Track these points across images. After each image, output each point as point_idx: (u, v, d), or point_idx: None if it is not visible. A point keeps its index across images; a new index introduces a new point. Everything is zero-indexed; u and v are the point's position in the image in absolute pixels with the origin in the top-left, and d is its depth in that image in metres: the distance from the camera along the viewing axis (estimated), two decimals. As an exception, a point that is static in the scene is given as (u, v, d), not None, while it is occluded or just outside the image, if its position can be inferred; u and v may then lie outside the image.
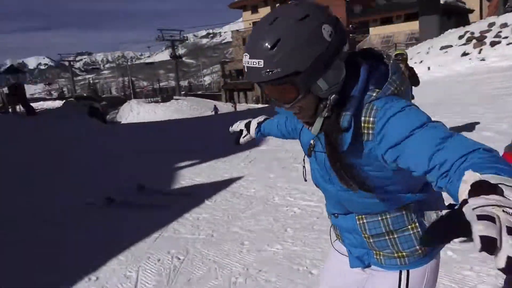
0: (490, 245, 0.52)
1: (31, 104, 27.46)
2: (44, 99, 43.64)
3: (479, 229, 0.53)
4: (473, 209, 0.57)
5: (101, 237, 4.22)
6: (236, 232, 4.07)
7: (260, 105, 41.86)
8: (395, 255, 1.21)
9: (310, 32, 0.95)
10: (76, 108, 27.14)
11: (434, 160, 0.85)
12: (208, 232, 4.13)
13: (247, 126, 1.86)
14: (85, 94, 56.18)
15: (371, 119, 1.01)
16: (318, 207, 4.51)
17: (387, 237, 1.20)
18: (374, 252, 1.25)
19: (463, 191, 0.65)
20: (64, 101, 33.00)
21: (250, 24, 54.73)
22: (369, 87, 1.05)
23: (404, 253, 1.20)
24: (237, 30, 56.53)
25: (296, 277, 3.02)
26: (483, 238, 0.53)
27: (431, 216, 1.17)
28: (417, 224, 1.18)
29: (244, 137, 1.88)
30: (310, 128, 1.14)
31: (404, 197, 1.16)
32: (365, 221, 1.22)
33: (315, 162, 1.24)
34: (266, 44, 0.95)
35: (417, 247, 1.19)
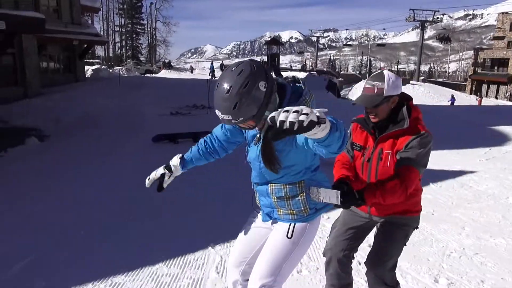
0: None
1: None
2: (289, 69, 49.18)
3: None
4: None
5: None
6: (457, 217, 4.22)
7: (514, 103, 35.70)
8: (288, 212, 1.82)
9: (253, 93, 1.49)
10: (316, 80, 29.83)
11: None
12: (429, 210, 4.42)
13: (168, 168, 2.03)
14: (325, 69, 60.21)
15: None
16: (562, 220, 4.10)
17: (285, 200, 1.81)
18: (277, 209, 1.85)
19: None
20: (308, 73, 36.71)
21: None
22: (291, 101, 1.62)
23: (294, 212, 1.82)
24: (505, 12, 48.35)
25: (508, 266, 3.06)
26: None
27: (313, 190, 1.77)
28: (304, 194, 1.79)
29: (169, 177, 2.04)
30: (261, 130, 1.72)
31: (300, 175, 1.77)
32: (273, 187, 1.81)
33: (255, 148, 1.79)
34: (230, 107, 1.49)
35: (302, 209, 1.80)
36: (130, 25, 49.86)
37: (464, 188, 5.27)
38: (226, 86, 1.50)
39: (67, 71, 21.59)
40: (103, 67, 30.84)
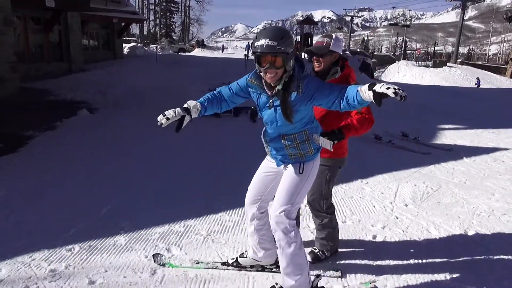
0: (395, 93, 1.80)
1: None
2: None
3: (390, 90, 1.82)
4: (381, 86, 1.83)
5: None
6: (488, 186, 4.56)
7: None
8: (298, 154, 2.32)
9: (291, 39, 2.09)
10: (350, 60, 29.54)
11: (337, 97, 2.09)
12: (461, 179, 4.77)
13: (186, 110, 2.27)
14: (358, 50, 59.07)
15: (301, 84, 2.14)
16: None
17: (295, 146, 2.31)
18: (289, 154, 2.34)
19: (365, 88, 1.92)
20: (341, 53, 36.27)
21: None
22: (298, 70, 2.16)
23: (302, 153, 2.32)
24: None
25: (539, 229, 3.42)
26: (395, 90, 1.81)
27: (315, 136, 2.33)
28: (309, 138, 2.32)
29: (188, 119, 2.29)
30: (270, 91, 2.23)
31: (306, 125, 2.30)
32: (286, 138, 2.31)
33: (270, 112, 2.27)
34: (279, 36, 2.04)
35: (308, 150, 2.32)
36: (164, 3, 50.54)
37: (496, 162, 5.55)
38: (276, 27, 2.16)
39: (106, 48, 22.51)
40: (139, 45, 31.72)
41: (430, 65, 43.56)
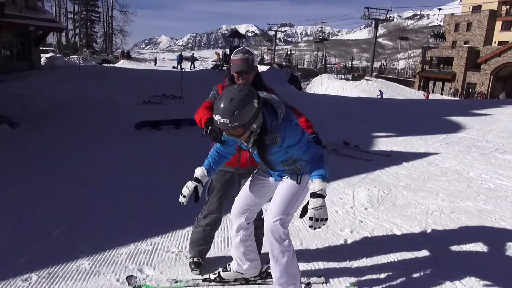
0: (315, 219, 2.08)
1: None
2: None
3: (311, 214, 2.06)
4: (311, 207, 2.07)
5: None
6: (431, 187, 4.96)
7: (457, 98, 38.56)
8: (295, 169, 2.30)
9: (248, 106, 1.97)
10: (278, 73, 30.56)
11: (304, 154, 2.19)
12: (407, 182, 5.14)
13: (196, 180, 2.34)
14: (284, 63, 61.26)
15: (278, 136, 2.12)
16: (513, 187, 4.95)
17: (291, 162, 2.27)
18: (285, 170, 2.32)
19: (311, 187, 2.15)
20: (269, 66, 37.37)
21: (469, 8, 49.21)
22: (272, 120, 2.09)
23: (299, 167, 2.29)
24: (452, 14, 51.78)
25: (484, 224, 3.80)
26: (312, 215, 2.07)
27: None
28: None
29: (201, 188, 2.34)
30: (247, 144, 2.20)
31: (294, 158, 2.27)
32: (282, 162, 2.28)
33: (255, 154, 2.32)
34: (230, 112, 1.94)
35: (305, 165, 2.25)
36: (84, 12, 47.99)
37: (431, 166, 6.07)
38: (229, 97, 1.98)
39: (21, 58, 20.72)
40: (57, 55, 29.70)
41: (350, 78, 46.66)
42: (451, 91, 44.75)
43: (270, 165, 2.31)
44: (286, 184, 2.34)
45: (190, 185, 2.32)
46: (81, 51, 40.01)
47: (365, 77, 47.76)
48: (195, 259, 2.95)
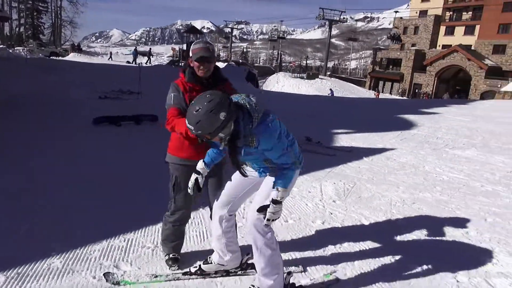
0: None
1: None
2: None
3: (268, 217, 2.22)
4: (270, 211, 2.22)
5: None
6: (391, 180, 5.24)
7: (404, 98, 40.63)
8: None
9: (213, 118, 2.01)
10: (236, 70, 30.60)
11: (278, 159, 2.23)
12: (369, 176, 5.38)
13: (197, 173, 2.51)
14: (240, 60, 61.34)
15: (253, 139, 2.14)
16: (465, 180, 5.35)
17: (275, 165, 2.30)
18: (270, 167, 2.35)
19: (272, 196, 2.23)
20: (226, 63, 37.28)
21: (416, 12, 51.87)
22: (247, 123, 2.12)
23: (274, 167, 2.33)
24: (400, 18, 54.32)
25: (443, 213, 4.09)
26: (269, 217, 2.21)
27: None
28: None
29: (201, 179, 2.51)
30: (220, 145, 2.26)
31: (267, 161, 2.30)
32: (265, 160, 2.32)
33: None
34: (194, 121, 2.03)
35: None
36: (30, 2, 45.21)
37: (390, 160, 6.39)
38: (197, 106, 2.05)
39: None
40: (1, 46, 27.88)
41: (305, 77, 47.63)
42: (399, 91, 47.05)
43: (239, 166, 2.35)
44: (271, 180, 2.36)
45: (192, 177, 2.51)
46: (27, 43, 37.75)
47: (320, 76, 48.92)
48: (171, 255, 2.94)
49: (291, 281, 2.56)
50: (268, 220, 2.26)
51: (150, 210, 3.78)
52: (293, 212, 3.94)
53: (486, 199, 4.59)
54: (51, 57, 31.93)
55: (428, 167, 5.99)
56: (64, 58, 32.19)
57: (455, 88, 43.72)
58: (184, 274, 2.77)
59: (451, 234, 3.57)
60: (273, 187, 2.26)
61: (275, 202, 2.22)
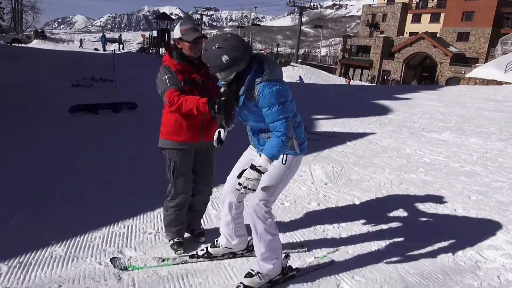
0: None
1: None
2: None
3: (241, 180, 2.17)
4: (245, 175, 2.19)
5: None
6: (377, 163, 5.41)
7: (374, 84, 41.51)
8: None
9: (216, 55, 2.12)
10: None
11: (272, 124, 2.18)
12: (355, 159, 5.53)
13: (221, 126, 2.53)
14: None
15: (256, 93, 2.19)
16: (445, 161, 5.60)
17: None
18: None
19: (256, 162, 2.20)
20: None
21: (384, 0, 52.77)
22: (257, 75, 2.19)
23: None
24: (369, 5, 55.09)
25: (429, 192, 4.29)
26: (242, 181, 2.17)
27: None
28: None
29: (224, 132, 2.53)
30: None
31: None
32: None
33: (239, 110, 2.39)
34: (204, 48, 2.18)
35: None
36: (-13, -15, 42.69)
37: (372, 144, 6.58)
38: (216, 38, 2.18)
39: None
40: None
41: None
42: (369, 77, 47.96)
43: (228, 116, 2.38)
44: (272, 165, 2.31)
45: (216, 131, 2.54)
46: (-15, 29, 35.76)
47: (291, 63, 49.09)
48: (175, 239, 2.95)
49: (288, 264, 2.59)
50: (240, 185, 2.19)
51: (145, 196, 3.77)
52: (288, 196, 4.01)
53: (467, 178, 4.84)
54: (13, 44, 30.47)
55: (409, 150, 6.22)
56: (28, 45, 30.79)
57: (422, 74, 45.01)
58: (191, 257, 2.80)
59: (441, 212, 3.76)
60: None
61: (252, 167, 2.18)
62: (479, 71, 30.28)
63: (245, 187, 2.18)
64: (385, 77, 46.71)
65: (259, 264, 2.46)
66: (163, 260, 2.76)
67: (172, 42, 2.93)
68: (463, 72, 37.09)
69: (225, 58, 2.12)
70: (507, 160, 5.79)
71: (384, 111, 10.49)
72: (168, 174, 2.84)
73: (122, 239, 3.06)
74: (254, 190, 2.21)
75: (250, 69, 2.21)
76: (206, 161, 2.91)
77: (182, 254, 2.84)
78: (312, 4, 55.38)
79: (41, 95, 10.10)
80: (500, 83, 25.45)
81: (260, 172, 2.18)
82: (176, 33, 2.69)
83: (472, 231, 3.34)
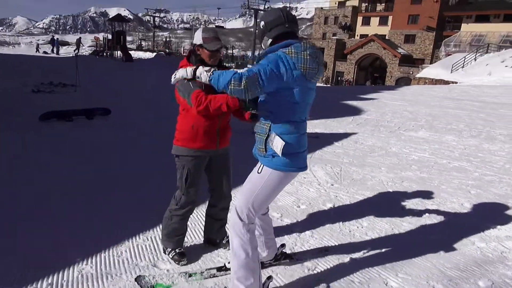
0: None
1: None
2: (135, 50, 46.93)
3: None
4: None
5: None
6: (370, 162, 5.57)
7: (329, 85, 42.70)
8: (259, 149, 2.26)
9: (259, 24, 2.31)
10: (169, 61, 29.68)
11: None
12: (349, 160, 5.66)
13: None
14: (167, 50, 59.49)
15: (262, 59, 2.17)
16: (433, 158, 5.88)
17: (259, 138, 2.27)
18: (257, 147, 2.30)
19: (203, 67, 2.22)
20: (156, 53, 35.98)
21: (336, 3, 54.44)
22: (277, 48, 2.13)
23: (260, 147, 2.25)
24: (321, 8, 56.61)
25: (431, 189, 4.48)
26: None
27: (272, 135, 2.18)
28: (268, 134, 2.20)
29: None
30: None
31: (269, 117, 2.22)
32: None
33: None
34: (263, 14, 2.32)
35: (261, 147, 2.23)
36: None
37: (358, 144, 6.77)
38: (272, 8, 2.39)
39: None
40: None
41: (234, 66, 47.77)
42: (323, 79, 49.23)
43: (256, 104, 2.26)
44: (251, 173, 2.30)
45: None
46: None
47: (248, 65, 49.28)
48: (176, 250, 2.86)
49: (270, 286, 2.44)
50: (175, 75, 2.29)
51: (153, 207, 3.63)
52: (300, 198, 4.03)
53: (459, 174, 5.12)
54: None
55: (395, 149, 6.46)
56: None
57: (373, 75, 46.94)
58: (219, 269, 2.71)
59: (449, 206, 3.95)
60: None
61: (196, 68, 2.20)
62: (428, 71, 32.09)
63: (175, 75, 2.30)
64: (339, 78, 48.20)
65: (233, 283, 2.29)
66: (190, 276, 2.65)
67: (191, 46, 2.81)
68: (411, 72, 39.11)
69: (262, 23, 2.30)
70: (486, 156, 6.18)
71: (357, 111, 10.81)
72: (180, 182, 2.75)
73: (151, 252, 2.93)
74: (178, 79, 2.31)
75: (277, 40, 2.18)
76: (223, 166, 2.86)
77: (208, 268, 2.76)
78: (266, 7, 56.01)
79: (2, 102, 9.45)
80: (447, 82, 27.12)
81: (194, 72, 2.20)
82: (197, 38, 2.65)
83: (485, 223, 3.53)
